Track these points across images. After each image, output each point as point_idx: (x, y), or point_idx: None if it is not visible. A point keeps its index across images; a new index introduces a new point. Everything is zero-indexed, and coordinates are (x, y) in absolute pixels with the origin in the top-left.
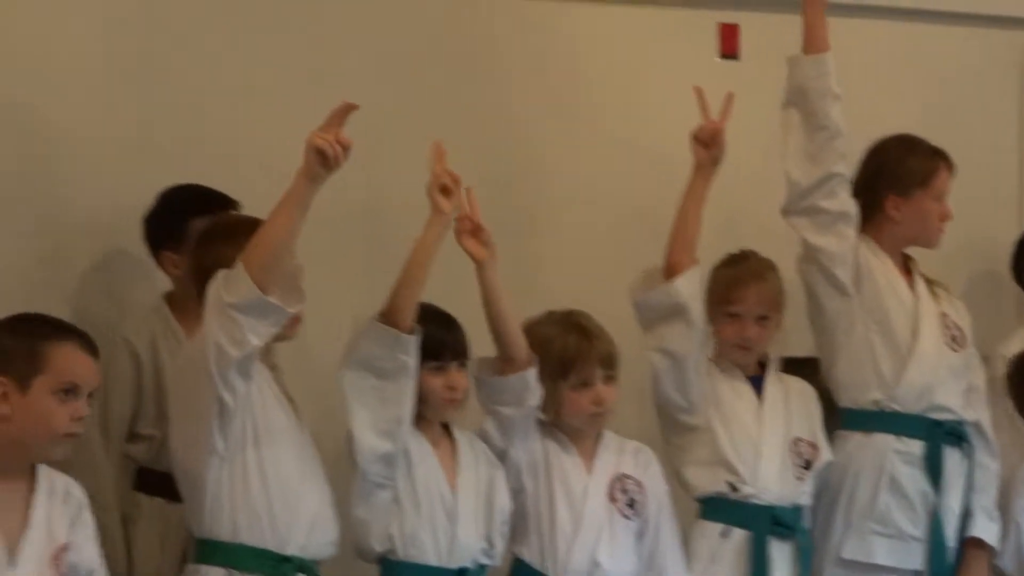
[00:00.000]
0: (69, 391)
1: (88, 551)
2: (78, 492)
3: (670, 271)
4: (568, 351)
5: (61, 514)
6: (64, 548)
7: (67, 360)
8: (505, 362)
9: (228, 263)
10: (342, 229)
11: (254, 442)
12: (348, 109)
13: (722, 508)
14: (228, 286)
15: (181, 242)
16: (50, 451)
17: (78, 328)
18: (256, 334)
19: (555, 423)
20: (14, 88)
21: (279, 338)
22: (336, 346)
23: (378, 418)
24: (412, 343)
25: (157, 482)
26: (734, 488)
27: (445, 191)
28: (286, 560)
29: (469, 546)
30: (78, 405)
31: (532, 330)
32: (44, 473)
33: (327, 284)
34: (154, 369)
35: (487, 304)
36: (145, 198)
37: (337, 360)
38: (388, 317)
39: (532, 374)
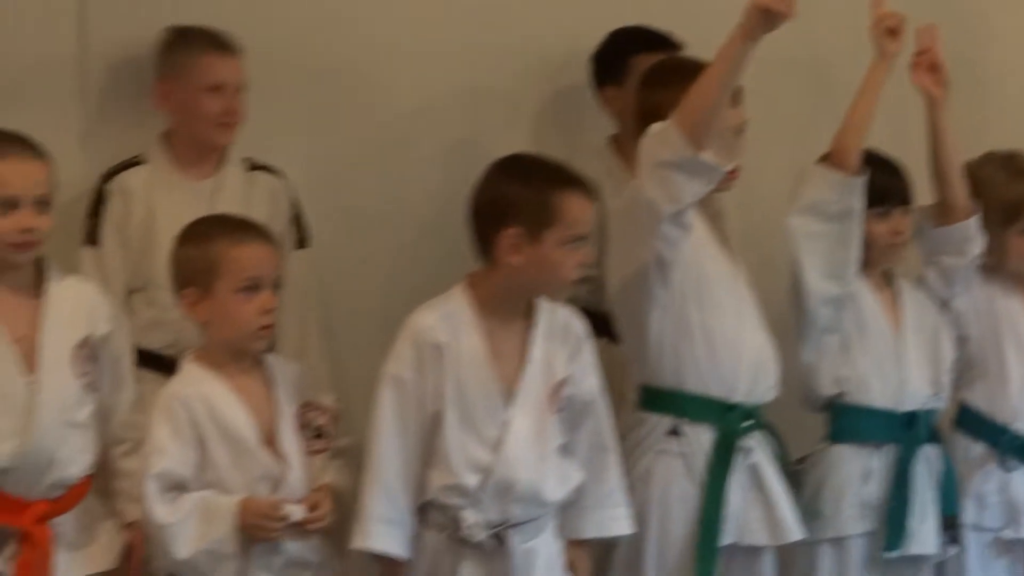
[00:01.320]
0: (576, 240)
1: (586, 383)
2: (577, 325)
3: None
4: (1015, 196)
5: (560, 349)
6: (562, 383)
7: (577, 211)
8: (946, 211)
9: (668, 107)
10: (779, 80)
11: (693, 291)
12: None
13: None
14: (661, 143)
15: (623, 79)
16: (556, 296)
17: (581, 174)
18: (688, 191)
19: (998, 267)
20: None
21: (718, 189)
22: (772, 193)
23: (827, 262)
24: (859, 185)
25: (600, 323)
26: None
27: (891, 32)
28: (732, 408)
29: (917, 390)
30: (582, 252)
31: (973, 172)
32: (544, 308)
33: (764, 132)
34: (598, 210)
35: (934, 145)
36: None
37: (772, 207)
38: (834, 161)
39: (974, 223)
